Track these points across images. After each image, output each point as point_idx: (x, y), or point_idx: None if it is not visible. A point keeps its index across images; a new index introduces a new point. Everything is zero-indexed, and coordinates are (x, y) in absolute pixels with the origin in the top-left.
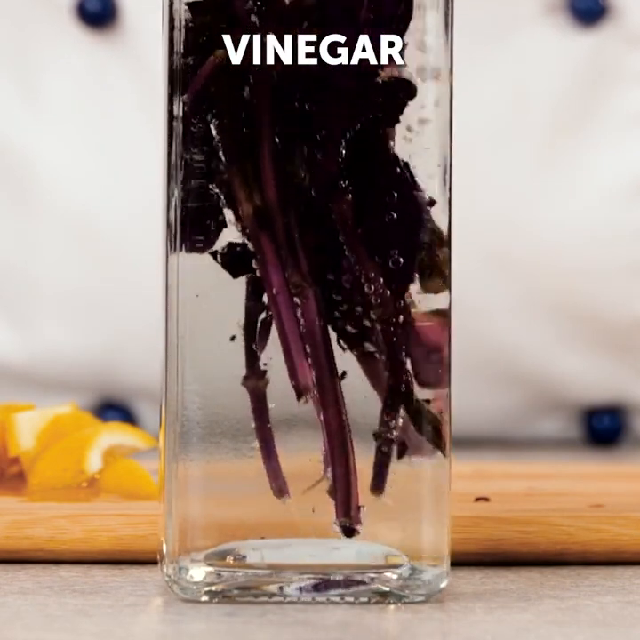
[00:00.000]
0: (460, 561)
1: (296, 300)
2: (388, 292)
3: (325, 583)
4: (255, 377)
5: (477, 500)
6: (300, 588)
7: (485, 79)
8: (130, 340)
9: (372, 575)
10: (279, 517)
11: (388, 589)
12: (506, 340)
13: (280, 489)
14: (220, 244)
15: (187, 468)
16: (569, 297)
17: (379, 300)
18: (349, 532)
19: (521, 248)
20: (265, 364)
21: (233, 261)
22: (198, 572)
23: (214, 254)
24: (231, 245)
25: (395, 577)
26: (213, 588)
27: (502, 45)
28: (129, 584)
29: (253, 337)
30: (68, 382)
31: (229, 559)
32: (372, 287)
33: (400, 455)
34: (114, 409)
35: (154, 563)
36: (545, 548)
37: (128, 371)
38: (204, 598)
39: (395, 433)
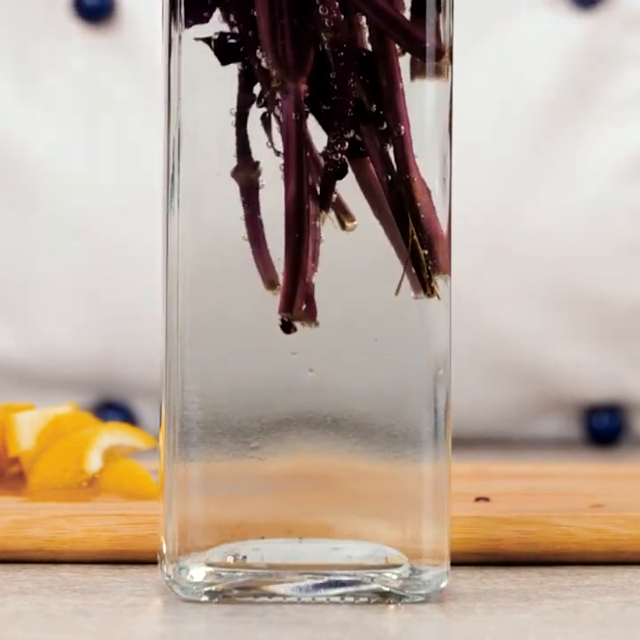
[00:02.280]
0: (459, 561)
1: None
2: (342, 16)
3: (325, 583)
4: (248, 168)
5: (477, 499)
6: (300, 588)
7: (483, 63)
8: (130, 340)
9: (372, 575)
10: (279, 517)
11: (388, 589)
12: (503, 330)
13: (271, 281)
14: (213, 29)
15: (187, 468)
16: (567, 283)
17: (332, 24)
18: (287, 326)
19: (518, 234)
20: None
21: (224, 49)
22: (198, 572)
23: (208, 41)
24: (222, 34)
25: (395, 577)
26: (213, 588)
27: (500, 29)
28: (129, 584)
29: (244, 126)
30: (68, 382)
31: (229, 559)
32: (327, 10)
33: (341, 175)
34: (114, 409)
35: (154, 563)
36: (545, 547)
37: (128, 371)
38: (204, 598)
39: (340, 155)
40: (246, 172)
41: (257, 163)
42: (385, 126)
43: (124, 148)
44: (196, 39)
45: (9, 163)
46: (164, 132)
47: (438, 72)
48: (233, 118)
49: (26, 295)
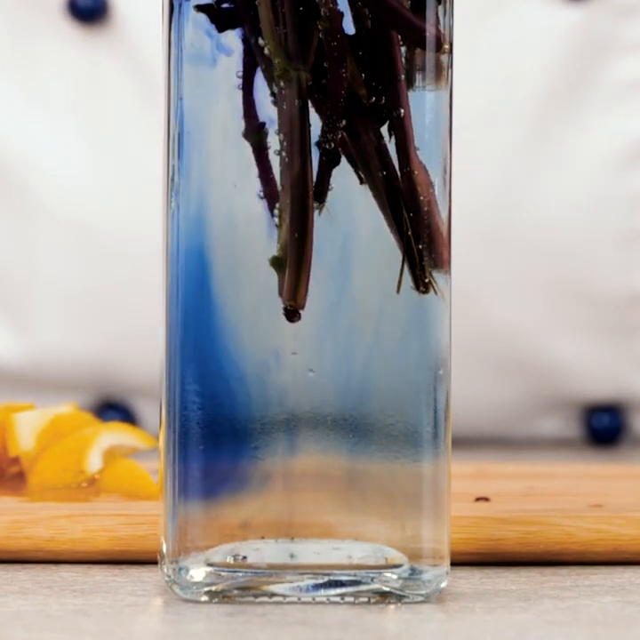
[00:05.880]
0: (459, 561)
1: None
2: (337, 5)
3: (325, 583)
4: (254, 130)
5: (477, 499)
6: (300, 588)
7: (476, 55)
8: (130, 340)
9: (372, 575)
10: (279, 517)
11: (388, 589)
12: (502, 329)
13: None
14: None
15: (187, 468)
16: (566, 279)
17: (327, 13)
18: (292, 314)
19: (514, 226)
20: None
21: (220, 16)
22: (198, 572)
23: (207, 9)
24: (219, 1)
25: (395, 577)
26: (213, 588)
27: (493, 20)
28: (129, 584)
29: (250, 90)
30: (68, 382)
31: (229, 559)
32: None
33: (334, 164)
34: (114, 409)
35: (154, 563)
36: (545, 547)
37: (128, 371)
38: (204, 598)
39: (333, 144)
40: (252, 134)
41: (263, 123)
42: (382, 114)
43: (121, 147)
44: (196, 7)
45: (7, 164)
46: (163, 131)
47: (438, 69)
48: (239, 81)
49: (26, 295)
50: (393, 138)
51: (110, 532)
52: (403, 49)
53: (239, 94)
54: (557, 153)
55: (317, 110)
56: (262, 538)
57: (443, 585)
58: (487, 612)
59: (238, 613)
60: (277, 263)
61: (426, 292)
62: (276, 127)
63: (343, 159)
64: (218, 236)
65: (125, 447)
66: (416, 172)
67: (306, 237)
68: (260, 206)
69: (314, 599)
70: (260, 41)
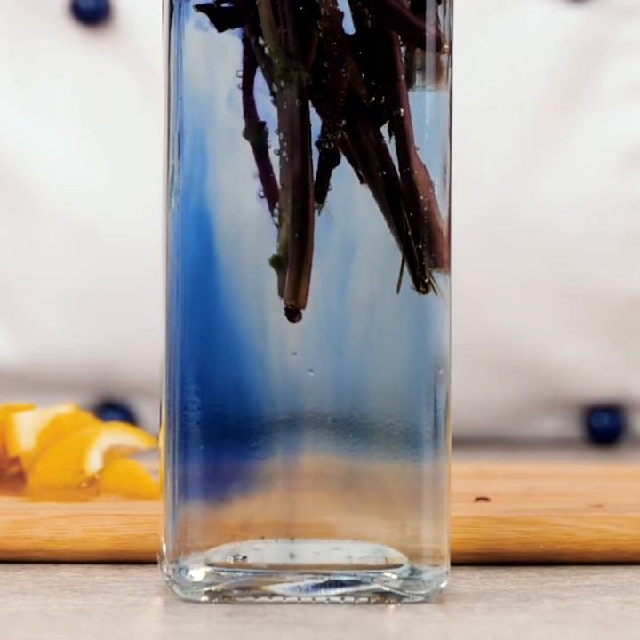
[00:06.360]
0: (459, 561)
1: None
2: (337, 5)
3: (325, 583)
4: (254, 130)
5: (477, 499)
6: (300, 588)
7: (478, 54)
8: (130, 340)
9: (372, 575)
10: (279, 517)
11: (388, 589)
12: (502, 329)
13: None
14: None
15: (187, 468)
16: (566, 279)
17: (327, 13)
18: (292, 314)
19: (515, 226)
20: None
21: (220, 16)
22: (198, 572)
23: (207, 8)
24: (218, 1)
25: (395, 577)
26: (213, 588)
27: (493, 20)
28: (129, 584)
29: (250, 91)
30: (68, 382)
31: (229, 559)
32: None
33: (334, 164)
34: (114, 409)
35: (154, 563)
36: (545, 547)
37: (128, 371)
38: (204, 598)
39: (333, 144)
40: (252, 134)
41: (263, 123)
42: (382, 115)
43: (123, 149)
44: (196, 7)
45: (8, 166)
46: (163, 131)
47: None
48: (239, 80)
49: (26, 296)
50: (393, 138)
51: (110, 532)
52: (403, 49)
53: (239, 94)
54: (558, 153)
55: (317, 110)
56: (262, 538)
57: (443, 585)
58: (487, 612)
59: (238, 613)
60: (277, 263)
61: (426, 292)
62: (276, 127)
63: (343, 159)
64: (218, 235)
65: (125, 447)
66: (416, 172)
67: (306, 237)
68: (260, 206)
69: (314, 599)
70: (260, 41)
